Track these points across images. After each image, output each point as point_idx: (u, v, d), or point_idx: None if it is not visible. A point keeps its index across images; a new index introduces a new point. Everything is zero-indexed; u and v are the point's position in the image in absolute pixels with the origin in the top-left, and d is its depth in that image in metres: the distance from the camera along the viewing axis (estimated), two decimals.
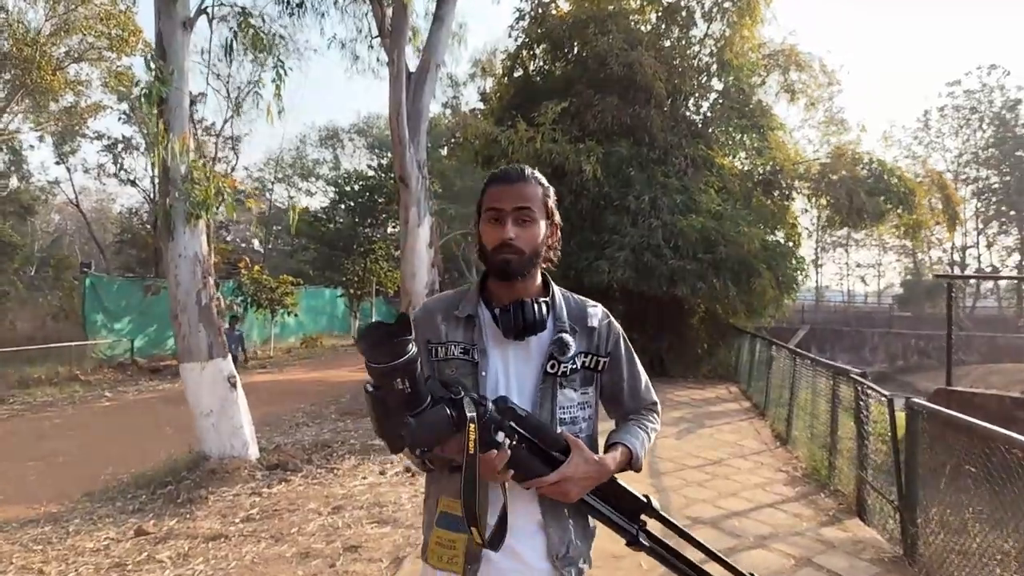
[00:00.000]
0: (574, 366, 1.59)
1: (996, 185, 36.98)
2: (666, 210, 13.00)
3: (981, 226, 37.28)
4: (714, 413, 9.94)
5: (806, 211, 15.77)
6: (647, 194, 13.14)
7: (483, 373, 1.55)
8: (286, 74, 7.93)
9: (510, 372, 1.58)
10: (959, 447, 3.53)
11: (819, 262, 42.75)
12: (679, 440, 7.96)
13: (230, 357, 6.96)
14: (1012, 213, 36.62)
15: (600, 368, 1.65)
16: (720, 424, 9.07)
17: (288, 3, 10.60)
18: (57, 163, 30.55)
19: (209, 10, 6.99)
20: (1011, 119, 35.77)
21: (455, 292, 1.71)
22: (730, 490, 5.72)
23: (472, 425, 1.30)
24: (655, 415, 1.76)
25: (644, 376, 1.78)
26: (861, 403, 4.81)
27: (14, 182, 29.17)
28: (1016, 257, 38.31)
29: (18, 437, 9.07)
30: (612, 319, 1.72)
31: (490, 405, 1.37)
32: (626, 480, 1.57)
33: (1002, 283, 36.67)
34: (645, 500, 1.54)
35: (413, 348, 1.26)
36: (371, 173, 28.03)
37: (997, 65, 39.36)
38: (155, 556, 4.35)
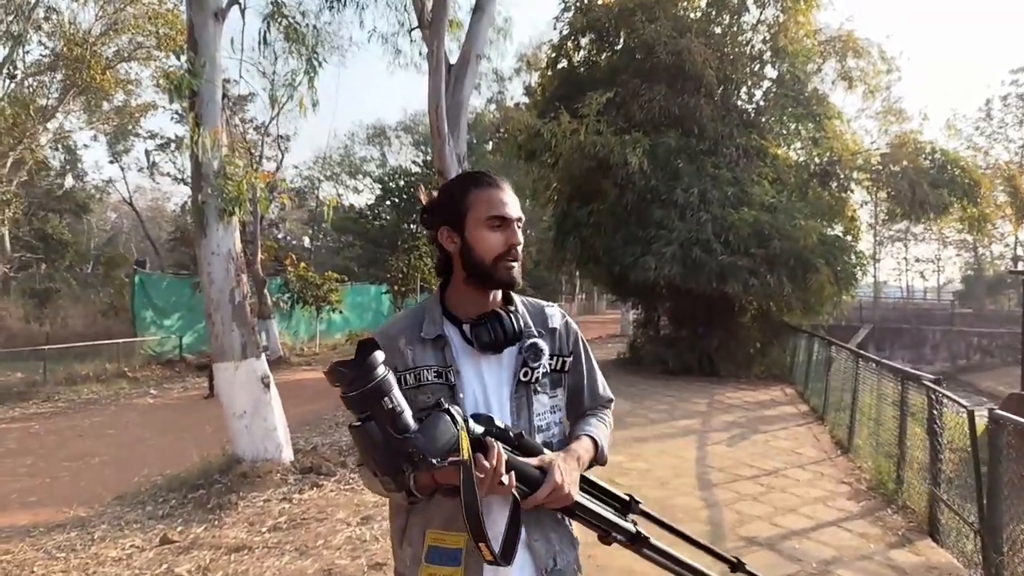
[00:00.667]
0: (545, 370, 1.55)
1: None
2: (716, 203, 12.47)
3: None
4: (768, 417, 9.41)
5: (865, 203, 15.00)
6: (696, 187, 12.63)
7: (461, 394, 1.46)
8: (320, 65, 7.78)
9: (486, 387, 1.51)
10: None
11: (877, 257, 41.27)
12: (731, 447, 7.51)
13: (263, 357, 6.78)
14: None
15: (566, 369, 1.61)
16: (775, 429, 8.57)
17: None
18: (111, 162, 31.35)
19: (241, 0, 6.82)
20: None
21: (411, 312, 1.59)
22: (788, 505, 5.28)
23: (463, 432, 1.23)
24: (609, 411, 1.74)
25: (600, 373, 1.75)
26: (935, 412, 4.34)
27: (69, 181, 29.90)
28: None
29: (57, 436, 9.09)
30: (569, 318, 1.69)
31: (471, 422, 1.29)
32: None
33: None
34: (629, 499, 1.50)
35: (383, 365, 1.21)
36: (416, 169, 27.99)
37: None
38: (175, 568, 4.16)
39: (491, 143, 31.28)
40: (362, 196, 46.11)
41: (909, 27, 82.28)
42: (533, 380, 1.52)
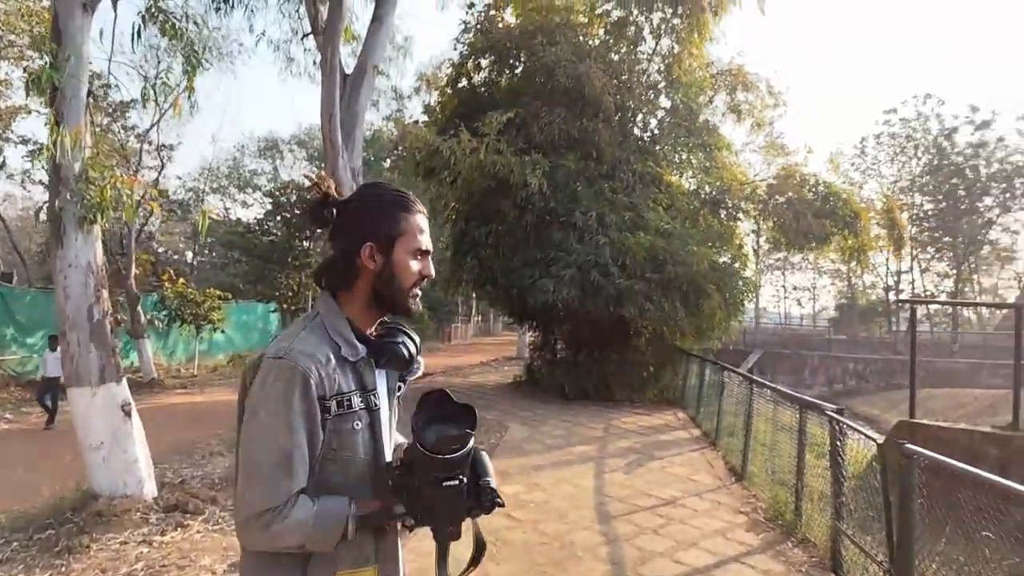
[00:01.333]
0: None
1: (931, 212, 38.01)
2: (614, 227, 12.51)
3: (915, 252, 38.21)
4: (663, 443, 9.38)
5: (754, 231, 15.51)
6: (594, 210, 12.65)
7: (381, 419, 1.46)
8: (200, 64, 7.17)
9: (387, 405, 1.52)
10: (967, 503, 2.98)
11: (759, 284, 43.35)
12: (629, 475, 7.35)
13: (124, 381, 6.08)
14: (947, 239, 37.65)
15: None
16: (671, 455, 8.50)
17: None
18: None
19: None
20: (947, 147, 36.85)
21: (315, 329, 1.43)
22: (689, 538, 5.12)
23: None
24: None
25: None
26: (838, 444, 4.26)
27: None
28: (949, 283, 39.33)
29: None
30: None
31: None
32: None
33: (933, 308, 37.65)
34: None
35: None
36: (308, 184, 26.98)
37: (932, 94, 40.79)
38: None
39: (389, 160, 30.73)
40: (252, 210, 44.40)
41: (799, 63, 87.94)
42: (400, 395, 1.58)
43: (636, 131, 15.18)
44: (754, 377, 7.27)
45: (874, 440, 3.70)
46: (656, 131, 15.21)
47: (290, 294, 24.90)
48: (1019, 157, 34.86)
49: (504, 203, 12.97)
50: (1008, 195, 35.19)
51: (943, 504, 3.24)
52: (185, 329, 20.37)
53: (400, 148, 16.37)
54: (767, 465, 6.63)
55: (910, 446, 3.30)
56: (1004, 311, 33.31)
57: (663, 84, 15.05)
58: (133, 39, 7.40)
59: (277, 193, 28.55)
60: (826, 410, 4.56)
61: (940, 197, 37.02)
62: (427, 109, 17.10)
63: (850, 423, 4.26)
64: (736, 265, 13.98)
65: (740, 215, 15.05)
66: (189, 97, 7.41)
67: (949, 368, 26.31)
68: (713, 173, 14.92)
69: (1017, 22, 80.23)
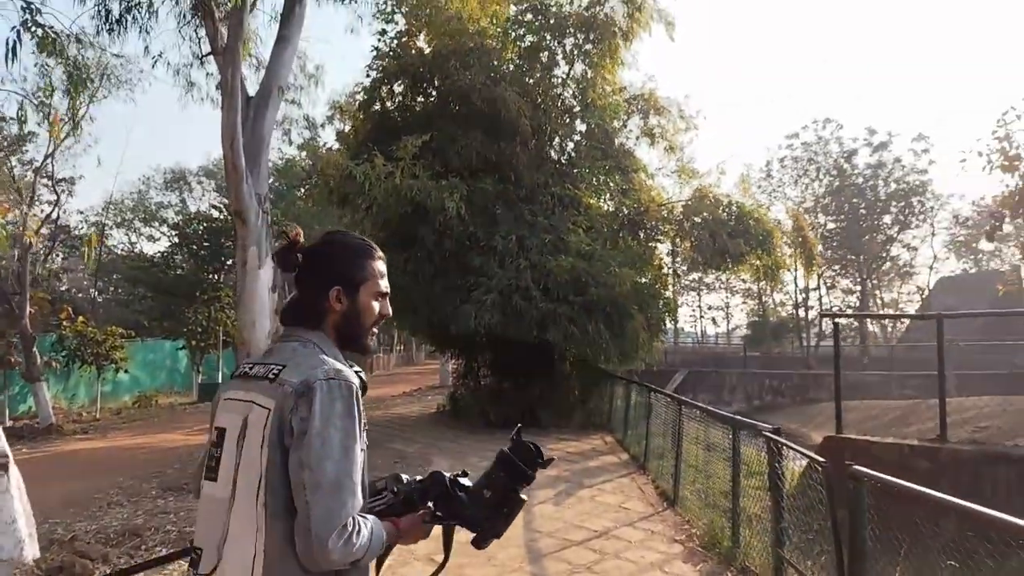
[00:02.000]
0: None
1: (834, 231, 39.83)
2: (535, 250, 12.33)
3: (822, 269, 39.88)
4: (592, 469, 9.14)
5: (673, 252, 15.65)
6: (515, 233, 12.46)
7: None
8: (84, 84, 6.61)
9: None
10: (924, 526, 2.80)
11: (677, 304, 44.33)
12: (558, 506, 7.04)
13: (0, 431, 5.40)
14: (851, 257, 39.50)
15: None
16: (600, 482, 8.26)
17: (106, 18, 9.04)
18: None
19: None
20: (847, 169, 38.79)
21: (334, 356, 1.56)
22: (625, 574, 4.84)
23: None
24: None
25: None
26: (776, 465, 4.08)
27: None
28: (852, 299, 41.14)
29: None
30: None
31: None
32: None
33: (842, 322, 39.10)
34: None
35: None
36: (216, 214, 25.92)
37: (831, 119, 42.81)
38: None
39: (303, 189, 29.92)
40: (160, 245, 42.56)
41: (710, 84, 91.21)
42: None
43: (553, 154, 15.14)
44: (682, 398, 7.11)
45: (818, 461, 3.50)
46: (573, 154, 15.20)
47: (199, 330, 23.70)
48: (915, 177, 37.05)
49: (422, 229, 12.62)
50: (907, 212, 37.26)
51: (893, 525, 3.07)
52: (86, 370, 19.12)
53: (314, 177, 15.85)
54: (699, 488, 6.45)
55: (859, 468, 3.12)
56: (910, 324, 35.00)
57: (578, 108, 15.07)
58: (8, 56, 6.77)
59: (183, 224, 27.33)
60: (763, 430, 4.39)
61: (842, 217, 38.87)
62: (340, 136, 16.62)
63: (789, 443, 4.09)
64: (657, 286, 14.02)
65: (659, 236, 15.15)
66: (73, 119, 6.83)
67: (860, 380, 27.24)
68: (631, 195, 15.00)
69: (911, 46, 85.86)
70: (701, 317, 53.94)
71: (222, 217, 25.18)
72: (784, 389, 27.90)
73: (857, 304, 40.17)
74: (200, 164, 45.84)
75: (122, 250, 42.15)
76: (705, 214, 14.65)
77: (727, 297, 52.35)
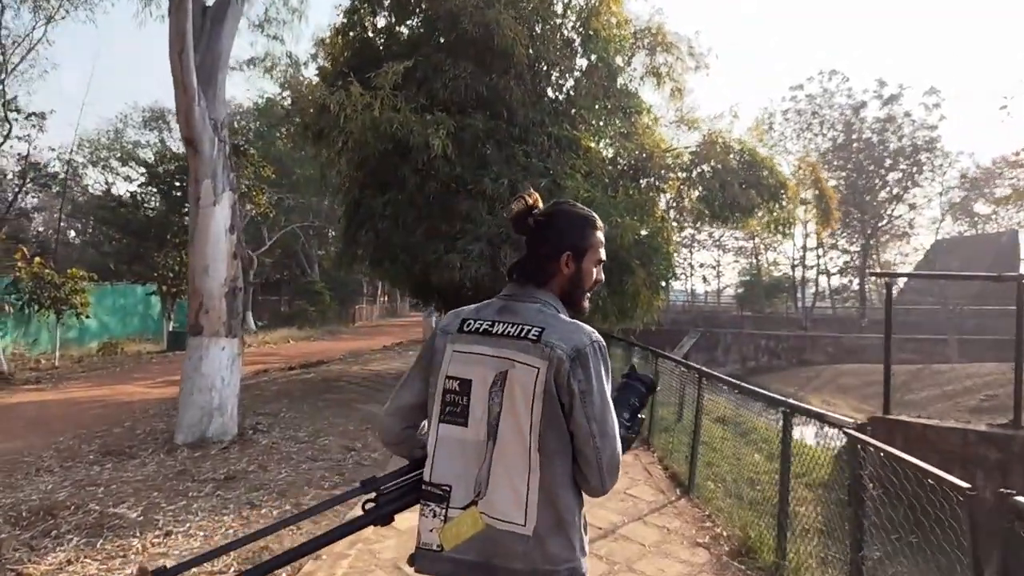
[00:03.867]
0: None
1: (838, 187, 38.40)
2: None
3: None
4: None
5: (678, 203, 14.42)
6: (506, 177, 11.18)
7: None
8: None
9: None
10: None
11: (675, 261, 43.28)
12: None
13: None
14: (854, 214, 38.10)
15: None
16: None
17: None
18: None
19: None
20: (855, 122, 37.19)
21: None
22: None
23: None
24: None
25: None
26: (860, 473, 2.98)
27: None
28: (850, 259, 40.02)
29: None
30: None
31: None
32: None
33: (834, 283, 38.25)
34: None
35: None
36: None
37: (837, 71, 41.18)
38: None
39: (284, 130, 28.33)
40: (135, 185, 40.93)
41: (720, 27, 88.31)
42: None
43: (551, 92, 13.77)
44: (706, 369, 5.95)
45: (961, 488, 2.37)
46: (572, 92, 13.82)
47: (170, 275, 22.35)
48: (925, 132, 35.47)
49: (404, 168, 11.35)
50: (915, 170, 35.78)
51: None
52: (44, 315, 17.87)
53: (296, 117, 14.53)
54: (719, 473, 5.39)
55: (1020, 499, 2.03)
56: (906, 285, 33.99)
57: (579, 41, 13.66)
58: None
59: (153, 163, 25.73)
60: (843, 426, 3.27)
61: (845, 173, 37.43)
62: (321, 71, 15.14)
63: (875, 443, 2.99)
64: (659, 239, 12.84)
65: (663, 185, 13.91)
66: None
67: (857, 344, 26.48)
68: (633, 139, 13.71)
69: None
70: (692, 275, 52.95)
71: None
72: (780, 351, 27.09)
73: (859, 264, 38.91)
74: None
75: (99, 190, 40.43)
76: (714, 162, 13.43)
77: (719, 255, 51.40)
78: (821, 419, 3.58)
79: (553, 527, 1.58)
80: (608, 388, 1.62)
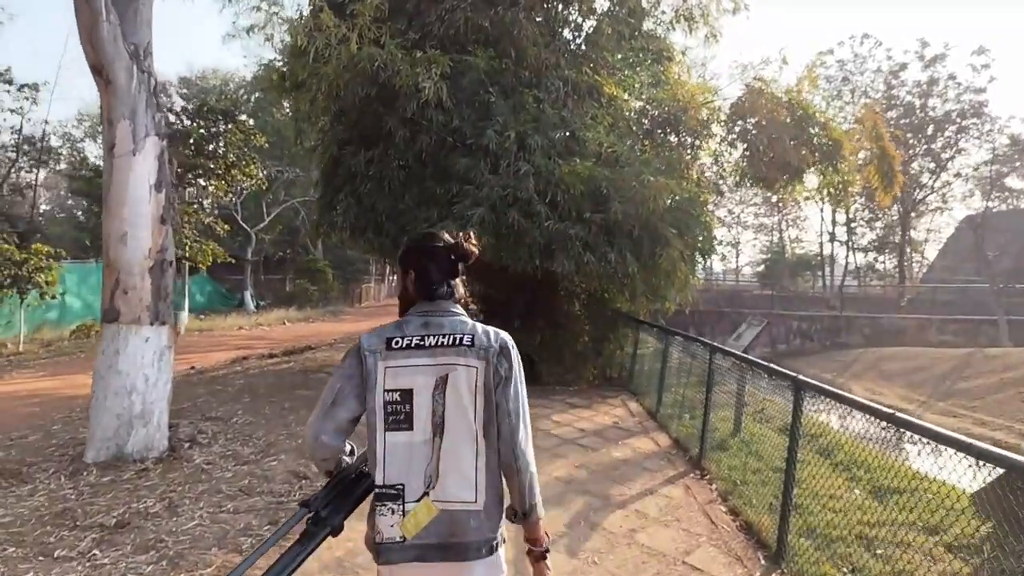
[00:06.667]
0: None
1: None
2: (540, 151, 9.06)
3: (853, 200, 36.05)
4: (620, 465, 6.11)
5: (717, 162, 12.37)
6: (513, 129, 9.14)
7: None
8: None
9: None
10: None
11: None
12: (576, 557, 4.04)
13: None
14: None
15: None
16: (636, 493, 5.27)
17: None
18: None
19: None
20: (894, 85, 34.41)
21: None
22: None
23: None
24: None
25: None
26: None
27: None
28: (895, 235, 37.25)
29: None
30: None
31: None
32: None
33: (861, 261, 35.69)
34: None
35: None
36: (172, 119, 22.40)
37: (870, 35, 38.36)
38: None
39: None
40: None
41: None
42: None
43: (568, 34, 11.70)
44: (802, 378, 3.94)
45: None
46: (591, 33, 11.73)
47: None
48: (971, 96, 32.56)
49: (390, 120, 9.37)
50: (961, 136, 32.85)
51: None
52: (6, 295, 16.20)
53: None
54: (809, 522, 3.46)
55: None
56: (934, 263, 31.76)
57: None
58: None
59: None
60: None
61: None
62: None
63: None
64: (697, 204, 10.80)
65: (701, 142, 11.83)
66: None
67: (896, 326, 24.36)
68: (664, 89, 11.65)
69: None
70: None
71: (178, 123, 21.75)
72: (812, 333, 24.97)
73: (899, 239, 36.17)
74: (180, 74, 42.19)
75: (97, 163, 38.85)
76: (759, 117, 11.37)
77: (738, 232, 49.15)
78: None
79: (496, 501, 1.83)
80: (523, 377, 1.92)
